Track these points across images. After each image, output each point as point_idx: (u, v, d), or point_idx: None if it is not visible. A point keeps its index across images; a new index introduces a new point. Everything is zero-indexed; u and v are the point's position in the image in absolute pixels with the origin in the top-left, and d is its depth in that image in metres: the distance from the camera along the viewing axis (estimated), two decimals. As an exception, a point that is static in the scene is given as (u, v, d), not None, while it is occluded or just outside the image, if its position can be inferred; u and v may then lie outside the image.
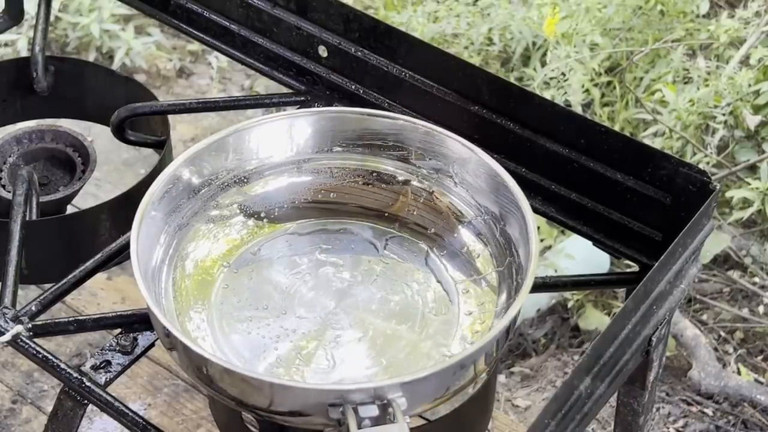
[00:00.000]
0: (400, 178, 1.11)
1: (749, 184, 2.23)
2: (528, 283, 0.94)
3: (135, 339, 1.02)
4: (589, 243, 1.15)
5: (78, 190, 1.29)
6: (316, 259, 1.07)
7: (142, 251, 0.96)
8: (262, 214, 1.10)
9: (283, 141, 1.11)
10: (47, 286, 1.08)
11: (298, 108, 1.28)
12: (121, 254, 1.12)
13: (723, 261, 2.32)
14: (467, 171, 1.07)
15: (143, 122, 1.32)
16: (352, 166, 1.12)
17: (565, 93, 2.45)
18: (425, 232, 1.10)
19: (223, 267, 1.06)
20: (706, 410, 2.08)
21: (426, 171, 1.10)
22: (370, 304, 1.03)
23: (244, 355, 0.98)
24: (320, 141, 1.11)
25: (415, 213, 1.11)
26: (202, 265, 1.05)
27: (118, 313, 1.05)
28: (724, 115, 2.34)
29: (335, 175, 1.12)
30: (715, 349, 2.16)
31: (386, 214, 1.11)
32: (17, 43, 2.73)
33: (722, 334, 2.21)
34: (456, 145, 1.08)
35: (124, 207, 1.19)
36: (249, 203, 1.10)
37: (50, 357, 1.00)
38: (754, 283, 2.26)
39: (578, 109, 2.41)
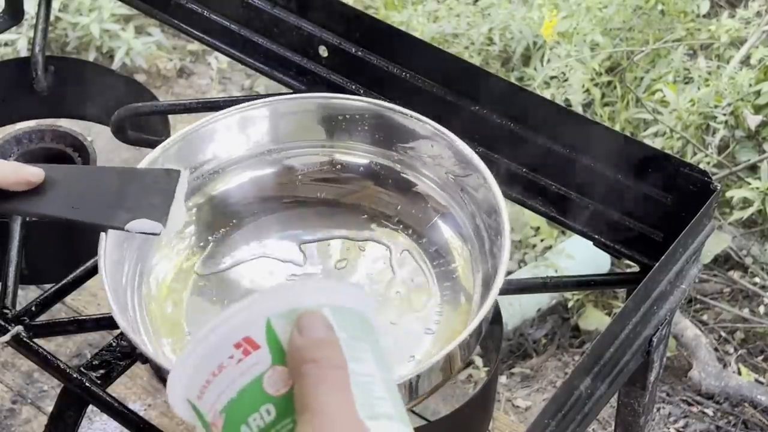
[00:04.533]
0: (366, 166, 1.10)
1: (750, 184, 2.23)
2: (495, 291, 0.92)
3: (135, 339, 1.02)
4: (590, 243, 1.15)
5: (78, 190, 1.29)
6: (285, 254, 1.06)
7: (110, 268, 0.95)
8: (226, 213, 1.09)
9: (239, 136, 1.09)
10: (47, 286, 1.08)
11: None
12: (121, 254, 1.12)
13: (723, 261, 2.32)
14: (436, 154, 1.06)
15: (143, 122, 1.31)
16: (315, 156, 1.10)
17: (566, 93, 2.45)
18: (393, 221, 1.08)
19: (192, 272, 1.05)
20: (706, 410, 2.08)
21: (396, 156, 1.09)
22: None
23: None
24: (278, 132, 1.10)
25: (382, 201, 1.09)
26: (168, 276, 1.04)
27: (118, 314, 1.05)
28: (724, 115, 2.34)
29: (298, 167, 1.10)
30: (716, 350, 2.16)
31: (353, 204, 1.10)
32: (17, 43, 2.73)
33: (723, 334, 2.21)
34: (437, 136, 1.06)
35: (124, 207, 1.19)
36: (212, 204, 1.09)
37: (50, 357, 1.00)
38: (755, 284, 2.26)
39: (579, 109, 2.41)
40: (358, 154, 1.11)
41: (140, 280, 1.02)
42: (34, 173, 0.95)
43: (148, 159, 1.03)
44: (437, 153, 1.06)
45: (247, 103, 1.09)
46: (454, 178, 1.05)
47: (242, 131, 1.10)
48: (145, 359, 0.93)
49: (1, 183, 0.93)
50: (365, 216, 1.09)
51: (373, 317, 0.64)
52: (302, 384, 0.58)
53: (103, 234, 0.97)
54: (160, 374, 0.92)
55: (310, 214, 1.09)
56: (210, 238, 1.08)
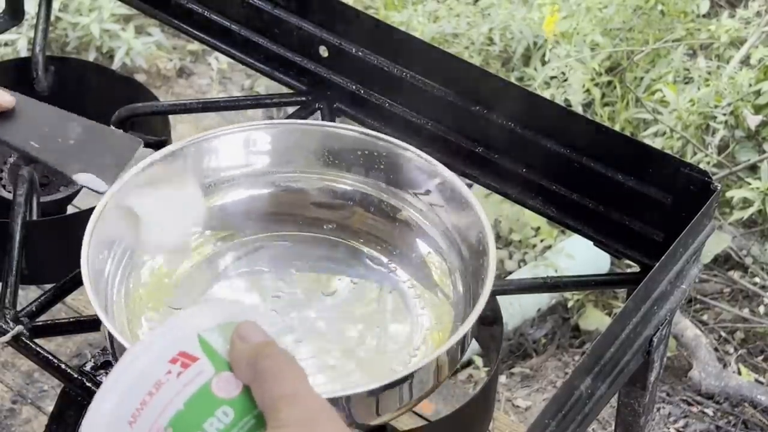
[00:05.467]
0: (359, 192, 1.10)
1: (750, 184, 2.23)
2: (482, 303, 0.92)
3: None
4: (590, 243, 1.15)
5: (78, 191, 1.29)
6: (272, 271, 1.06)
7: (92, 270, 0.95)
8: (220, 226, 1.09)
9: (241, 154, 1.09)
10: (47, 286, 1.08)
11: (297, 108, 1.27)
12: (122, 254, 1.12)
13: (724, 261, 2.32)
14: (429, 186, 1.06)
15: (143, 122, 1.31)
16: (311, 180, 1.11)
17: (566, 92, 2.45)
18: (383, 244, 1.08)
19: (170, 285, 1.04)
20: (706, 410, 2.08)
21: (384, 185, 1.09)
22: (327, 313, 1.02)
23: None
24: (279, 154, 1.10)
25: (372, 226, 1.09)
26: (154, 279, 1.04)
27: (119, 314, 1.05)
28: (724, 115, 2.34)
29: (293, 189, 1.11)
30: (716, 350, 2.16)
31: (343, 227, 1.10)
32: (17, 43, 2.72)
33: (723, 334, 2.21)
34: (417, 160, 1.06)
35: (125, 207, 1.19)
36: (208, 215, 1.08)
37: (50, 357, 1.00)
38: (755, 284, 2.26)
39: (579, 109, 2.41)
40: (353, 180, 1.10)
41: (126, 273, 1.02)
42: (6, 99, 1.00)
43: (142, 165, 1.03)
44: (434, 187, 1.06)
45: (251, 123, 1.10)
46: (445, 209, 1.06)
47: (246, 149, 1.09)
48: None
49: None
50: (355, 237, 1.09)
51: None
52: (263, 378, 0.61)
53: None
54: (113, 349, 0.93)
55: (301, 234, 1.09)
56: (200, 247, 1.07)
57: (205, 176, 1.08)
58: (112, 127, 1.07)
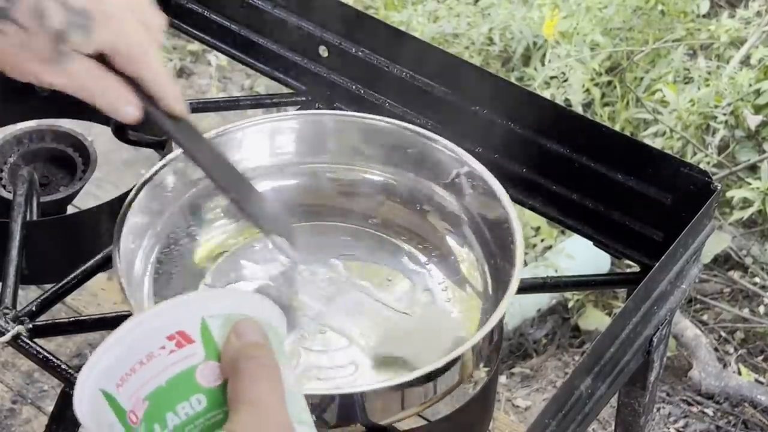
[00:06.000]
0: (387, 182, 1.10)
1: (750, 184, 2.23)
2: (511, 291, 0.92)
3: (135, 339, 1.02)
4: (590, 243, 1.15)
5: (78, 190, 1.29)
6: (299, 261, 1.05)
7: (124, 257, 0.95)
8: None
9: (268, 144, 1.09)
10: (47, 286, 1.08)
11: (298, 108, 1.28)
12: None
13: (724, 261, 2.32)
14: (457, 177, 1.06)
15: (143, 122, 1.31)
16: (339, 171, 1.11)
17: (566, 92, 2.45)
18: (411, 236, 1.09)
19: (207, 269, 1.04)
20: (706, 410, 2.08)
21: (413, 175, 1.09)
22: (356, 306, 1.02)
23: None
24: (306, 145, 1.10)
25: (400, 216, 1.09)
26: (185, 270, 1.04)
27: (118, 313, 1.05)
28: (724, 115, 2.34)
29: (321, 179, 1.11)
30: (716, 350, 2.16)
31: (371, 219, 1.10)
32: (17, 43, 2.72)
33: (723, 334, 2.21)
34: (446, 151, 1.06)
35: (125, 207, 1.19)
36: (232, 207, 1.09)
37: (50, 357, 1.00)
38: (755, 284, 2.26)
39: (579, 109, 2.41)
40: (382, 171, 1.11)
41: (154, 271, 1.02)
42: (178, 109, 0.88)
43: (171, 157, 1.03)
44: (464, 179, 1.06)
45: (279, 114, 1.11)
46: (472, 200, 1.06)
47: (273, 139, 1.10)
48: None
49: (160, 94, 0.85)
50: (383, 229, 1.09)
51: (284, 333, 0.68)
52: (239, 378, 0.61)
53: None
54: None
55: (329, 225, 1.10)
56: (227, 238, 1.08)
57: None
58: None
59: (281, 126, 1.10)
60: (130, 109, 0.83)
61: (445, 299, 1.03)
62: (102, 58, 0.81)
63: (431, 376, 0.88)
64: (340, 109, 1.26)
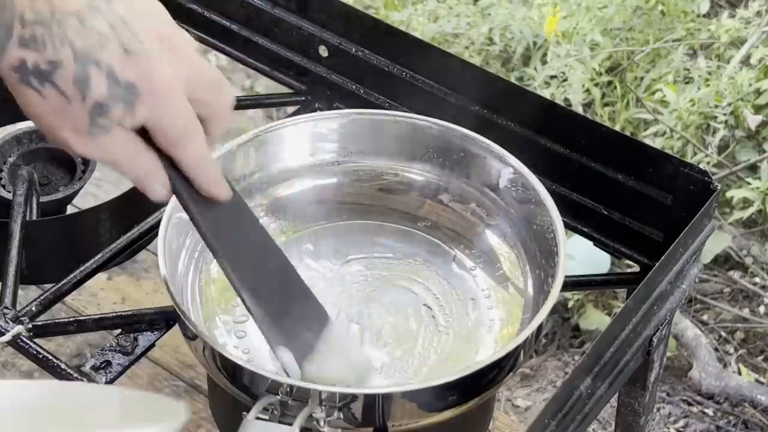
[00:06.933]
0: (429, 182, 1.10)
1: (750, 183, 2.22)
2: (556, 289, 0.92)
3: (135, 339, 1.02)
4: (590, 243, 1.15)
5: (78, 190, 1.29)
6: (340, 261, 1.06)
7: (169, 256, 0.95)
8: (287, 216, 1.09)
9: (308, 143, 1.09)
10: (47, 286, 1.08)
11: (297, 108, 1.27)
12: (122, 254, 1.12)
13: (724, 261, 2.32)
14: (500, 178, 1.06)
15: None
16: (379, 170, 1.10)
17: (566, 92, 2.45)
18: (452, 235, 1.08)
19: None
20: (706, 410, 2.08)
21: (455, 175, 1.09)
22: (395, 305, 1.02)
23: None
24: (346, 144, 1.10)
25: (442, 216, 1.09)
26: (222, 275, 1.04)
27: (119, 314, 1.05)
28: (724, 114, 2.34)
29: (362, 178, 1.11)
30: (716, 350, 2.16)
31: (412, 217, 1.10)
32: (17, 42, 2.72)
33: (723, 334, 2.20)
34: (489, 152, 1.06)
35: (125, 207, 1.19)
36: (273, 206, 1.09)
37: (50, 357, 1.00)
38: (755, 284, 2.26)
39: (579, 109, 2.41)
40: (422, 170, 1.10)
41: (198, 270, 1.02)
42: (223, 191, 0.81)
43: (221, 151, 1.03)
44: (506, 180, 1.06)
45: (319, 113, 1.10)
46: (515, 202, 1.06)
47: (313, 138, 1.09)
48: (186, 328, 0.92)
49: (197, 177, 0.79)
50: (423, 228, 1.09)
51: None
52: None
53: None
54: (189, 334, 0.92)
55: (369, 224, 1.10)
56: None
57: (272, 166, 1.08)
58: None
59: (321, 125, 1.09)
60: (158, 188, 0.78)
61: (488, 306, 1.03)
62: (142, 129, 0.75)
63: (471, 377, 0.88)
64: (340, 109, 1.26)
